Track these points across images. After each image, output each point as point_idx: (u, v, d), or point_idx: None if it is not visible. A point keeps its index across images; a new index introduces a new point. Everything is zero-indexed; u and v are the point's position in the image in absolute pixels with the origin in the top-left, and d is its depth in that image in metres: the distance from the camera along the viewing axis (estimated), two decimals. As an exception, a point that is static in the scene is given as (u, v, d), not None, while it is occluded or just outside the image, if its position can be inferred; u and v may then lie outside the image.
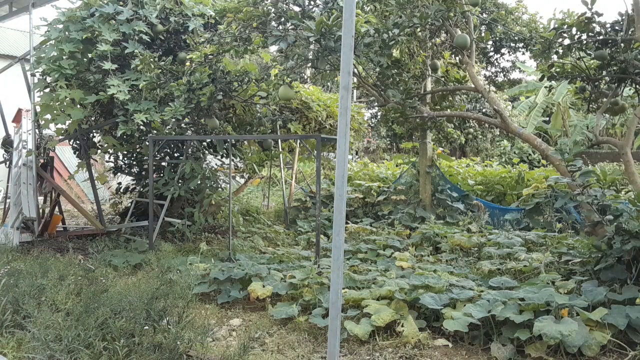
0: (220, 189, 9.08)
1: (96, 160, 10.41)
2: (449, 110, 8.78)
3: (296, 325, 4.54)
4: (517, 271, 5.53)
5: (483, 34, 7.99)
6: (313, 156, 10.58)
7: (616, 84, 5.97)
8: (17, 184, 8.19)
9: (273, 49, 9.78)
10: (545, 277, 4.93)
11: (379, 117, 13.71)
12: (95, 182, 8.82)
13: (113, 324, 3.71)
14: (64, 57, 7.14)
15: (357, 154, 20.24)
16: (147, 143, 8.03)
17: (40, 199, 8.75)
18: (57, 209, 8.68)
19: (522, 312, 4.07)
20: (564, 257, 5.69)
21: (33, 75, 7.91)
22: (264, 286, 5.07)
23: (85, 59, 7.37)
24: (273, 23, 6.54)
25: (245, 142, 9.76)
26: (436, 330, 4.40)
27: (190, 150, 8.50)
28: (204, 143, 8.89)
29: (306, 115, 9.39)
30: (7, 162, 9.32)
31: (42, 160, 8.53)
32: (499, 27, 8.13)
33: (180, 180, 8.02)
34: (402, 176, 9.98)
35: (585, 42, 5.87)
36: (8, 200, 8.84)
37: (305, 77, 10.51)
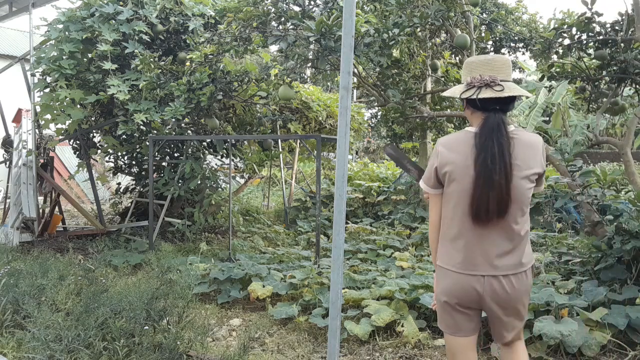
0: (220, 189, 9.07)
1: (96, 160, 10.41)
2: (449, 110, 8.78)
3: (296, 325, 4.54)
4: (517, 271, 5.51)
5: (483, 34, 7.99)
6: (313, 156, 10.57)
7: (616, 84, 5.96)
8: (17, 184, 8.19)
9: (273, 49, 9.78)
10: (545, 277, 4.92)
11: (379, 117, 13.69)
12: (96, 182, 8.82)
13: (113, 324, 3.71)
14: (64, 57, 7.14)
15: (357, 154, 20.24)
16: (147, 143, 8.02)
17: (40, 199, 8.75)
18: (57, 209, 8.68)
19: (522, 312, 4.06)
20: (564, 257, 5.68)
21: (33, 75, 7.91)
22: (264, 286, 5.07)
23: (85, 59, 7.37)
24: (273, 23, 6.54)
25: (245, 142, 9.76)
26: (436, 330, 4.40)
27: (190, 150, 8.49)
28: (204, 143, 8.89)
29: (306, 115, 9.38)
30: (7, 162, 9.32)
31: (42, 160, 8.53)
32: (499, 27, 8.13)
33: (180, 180, 8.02)
34: (402, 176, 9.98)
35: (585, 42, 5.86)
36: (8, 200, 8.84)
37: (305, 77, 10.51)
